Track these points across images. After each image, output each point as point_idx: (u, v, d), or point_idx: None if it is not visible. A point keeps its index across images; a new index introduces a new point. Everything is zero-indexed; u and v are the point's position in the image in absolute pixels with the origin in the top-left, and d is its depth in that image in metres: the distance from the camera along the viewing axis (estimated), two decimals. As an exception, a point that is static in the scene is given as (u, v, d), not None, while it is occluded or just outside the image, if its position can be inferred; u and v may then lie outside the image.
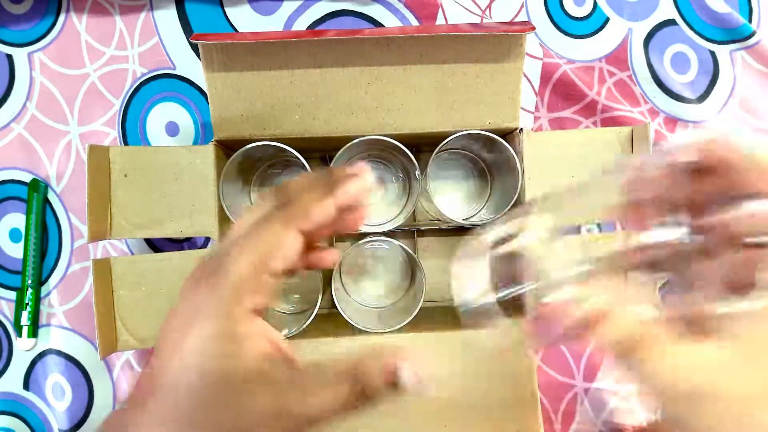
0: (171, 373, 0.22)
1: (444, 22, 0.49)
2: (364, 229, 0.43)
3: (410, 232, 0.48)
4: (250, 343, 0.23)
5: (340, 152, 0.40)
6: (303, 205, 0.24)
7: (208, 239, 0.48)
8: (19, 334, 0.48)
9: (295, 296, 0.48)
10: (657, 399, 0.22)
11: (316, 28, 0.49)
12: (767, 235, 0.22)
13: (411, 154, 0.40)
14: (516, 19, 0.50)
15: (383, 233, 0.44)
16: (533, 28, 0.37)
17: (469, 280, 0.26)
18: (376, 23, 0.49)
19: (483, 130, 0.40)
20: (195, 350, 0.22)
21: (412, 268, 0.48)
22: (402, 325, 0.40)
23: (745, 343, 0.21)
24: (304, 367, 0.23)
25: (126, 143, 0.49)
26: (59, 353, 0.49)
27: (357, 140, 0.39)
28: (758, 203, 0.22)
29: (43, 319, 0.49)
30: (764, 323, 0.21)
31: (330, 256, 0.29)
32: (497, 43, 0.38)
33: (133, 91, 0.49)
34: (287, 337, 0.39)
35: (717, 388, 0.21)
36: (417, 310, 0.41)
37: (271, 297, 0.24)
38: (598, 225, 0.49)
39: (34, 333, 0.48)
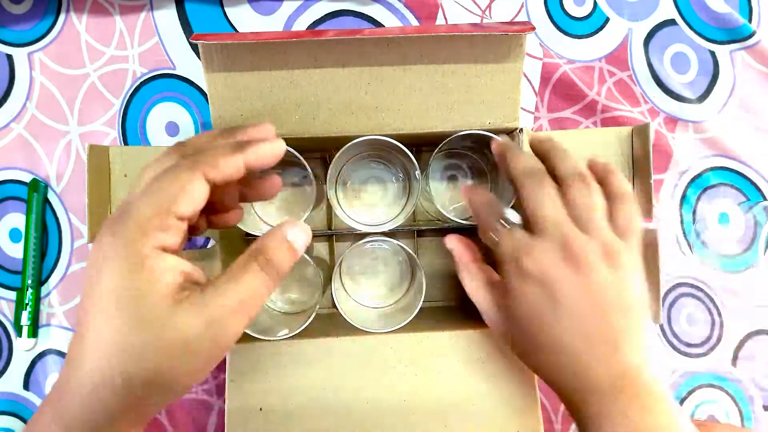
0: (91, 320, 0.23)
1: (444, 22, 0.49)
2: (364, 229, 0.43)
3: (410, 232, 0.48)
4: (161, 276, 0.23)
5: (340, 152, 0.40)
6: (211, 156, 0.25)
7: (208, 239, 0.48)
8: (19, 334, 0.48)
9: (295, 296, 0.48)
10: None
11: (316, 28, 0.49)
12: None
13: (411, 154, 0.39)
14: (516, 19, 0.50)
15: (383, 233, 0.44)
16: (533, 28, 0.37)
17: None
18: (376, 23, 0.49)
19: (483, 130, 0.40)
20: (108, 290, 0.22)
21: (412, 268, 0.48)
22: (402, 325, 0.40)
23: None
24: (214, 278, 0.24)
25: (126, 143, 0.49)
26: (59, 353, 0.49)
27: (357, 140, 0.39)
28: None
29: (43, 319, 0.49)
30: None
31: (235, 216, 0.30)
32: (497, 43, 0.38)
33: (133, 91, 0.49)
34: (287, 337, 0.39)
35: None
36: (417, 310, 0.41)
37: (179, 237, 0.24)
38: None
39: (34, 333, 0.48)
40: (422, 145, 0.46)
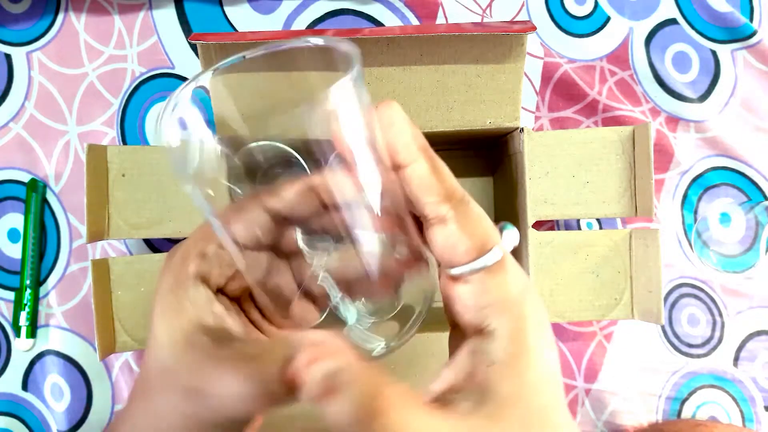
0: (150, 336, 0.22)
1: (444, 22, 0.49)
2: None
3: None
4: (188, 307, 0.21)
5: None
6: (274, 186, 0.22)
7: (207, 239, 0.48)
8: (18, 334, 0.48)
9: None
10: None
11: (316, 27, 0.49)
12: None
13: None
14: (517, 18, 0.49)
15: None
16: (534, 28, 0.37)
17: None
18: (376, 22, 0.49)
19: (483, 130, 0.39)
20: (156, 312, 0.22)
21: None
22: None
23: (483, 417, 0.18)
24: (230, 346, 0.21)
25: (125, 143, 0.49)
26: (58, 354, 0.48)
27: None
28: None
29: (41, 320, 0.49)
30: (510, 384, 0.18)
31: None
32: (498, 42, 0.38)
33: (132, 91, 0.49)
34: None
35: None
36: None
37: (221, 270, 0.22)
38: (598, 220, 0.49)
39: (32, 333, 0.48)
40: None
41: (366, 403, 0.16)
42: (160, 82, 0.49)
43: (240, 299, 0.24)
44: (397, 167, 0.20)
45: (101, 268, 0.39)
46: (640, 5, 0.50)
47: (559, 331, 0.49)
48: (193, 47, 0.49)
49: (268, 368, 0.18)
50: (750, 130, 0.50)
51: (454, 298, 0.20)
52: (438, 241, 0.19)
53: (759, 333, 0.49)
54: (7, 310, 0.49)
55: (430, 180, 0.19)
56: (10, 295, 0.49)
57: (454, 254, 0.19)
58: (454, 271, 0.19)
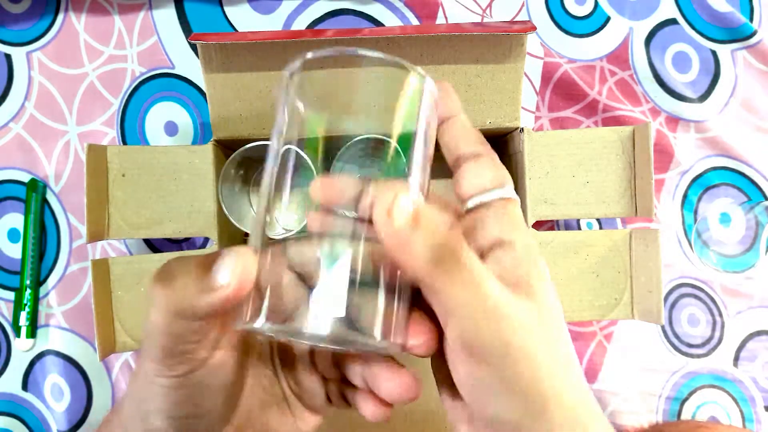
0: None
1: (444, 22, 0.49)
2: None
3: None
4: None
5: (340, 151, 0.39)
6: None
7: (206, 239, 0.48)
8: (18, 334, 0.48)
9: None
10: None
11: (316, 27, 0.49)
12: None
13: (400, 149, 0.39)
14: (517, 18, 0.49)
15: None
16: (534, 28, 0.37)
17: None
18: (376, 22, 0.49)
19: (483, 130, 0.39)
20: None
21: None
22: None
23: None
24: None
25: (125, 143, 0.49)
26: (58, 354, 0.48)
27: (356, 139, 0.39)
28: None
29: (41, 320, 0.49)
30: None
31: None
32: (498, 42, 0.38)
33: (131, 91, 0.49)
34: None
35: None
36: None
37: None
38: (598, 220, 0.49)
39: (32, 333, 0.48)
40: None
41: (446, 243, 0.19)
42: (160, 82, 0.49)
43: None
44: (445, 119, 0.24)
45: (101, 268, 0.39)
46: (640, 5, 0.50)
47: (559, 331, 0.49)
48: (193, 47, 0.49)
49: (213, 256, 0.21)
50: (750, 130, 0.50)
51: (475, 224, 0.23)
52: (470, 173, 0.23)
53: (759, 333, 0.49)
54: (7, 310, 0.49)
55: (471, 128, 0.24)
56: (10, 295, 0.49)
57: (483, 183, 0.23)
58: (482, 198, 0.23)
